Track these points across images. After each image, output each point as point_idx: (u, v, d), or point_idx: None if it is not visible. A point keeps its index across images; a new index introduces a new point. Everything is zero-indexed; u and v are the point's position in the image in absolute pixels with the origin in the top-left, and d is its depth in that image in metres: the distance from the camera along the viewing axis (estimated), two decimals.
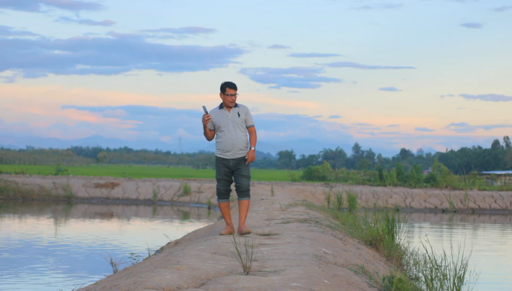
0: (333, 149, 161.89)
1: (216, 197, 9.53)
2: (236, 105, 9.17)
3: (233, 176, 9.26)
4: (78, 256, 14.09)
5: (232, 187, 9.43)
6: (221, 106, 9.20)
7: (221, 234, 9.26)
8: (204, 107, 9.07)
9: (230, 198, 9.42)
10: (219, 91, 9.19)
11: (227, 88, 9.07)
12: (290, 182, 41.99)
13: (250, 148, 9.15)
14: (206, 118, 9.04)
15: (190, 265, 6.03)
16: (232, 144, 9.06)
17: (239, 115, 9.11)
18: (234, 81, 9.19)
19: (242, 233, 9.09)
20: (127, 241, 17.01)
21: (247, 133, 9.25)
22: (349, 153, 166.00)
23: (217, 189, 9.30)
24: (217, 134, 9.20)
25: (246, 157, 9.10)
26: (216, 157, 9.23)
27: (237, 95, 9.11)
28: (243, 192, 9.18)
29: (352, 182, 44.45)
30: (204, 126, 9.13)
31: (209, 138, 9.27)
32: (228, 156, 9.10)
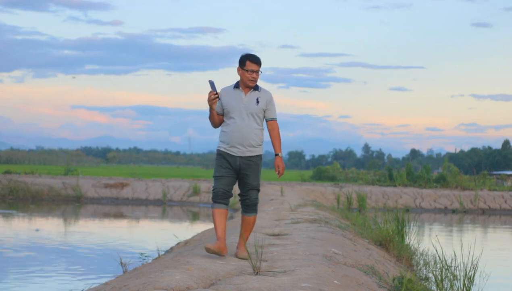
0: (343, 149, 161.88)
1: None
2: (257, 88, 6.92)
3: (237, 182, 7.01)
4: (88, 256, 14.11)
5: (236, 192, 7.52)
6: (236, 85, 6.94)
7: (207, 248, 6.72)
8: (211, 83, 6.78)
9: (229, 204, 6.98)
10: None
11: (248, 61, 6.82)
12: (300, 182, 41.98)
13: (277, 155, 6.88)
14: (212, 96, 6.73)
15: (199, 265, 6.03)
16: (242, 137, 6.81)
17: (258, 102, 6.85)
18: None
19: (238, 257, 6.89)
20: (137, 242, 17.03)
21: (264, 128, 7.01)
22: (359, 153, 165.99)
23: (213, 189, 6.90)
24: (224, 121, 6.94)
25: (276, 172, 6.81)
26: (218, 150, 6.93)
27: (260, 73, 6.89)
28: (249, 206, 6.93)
29: (362, 182, 44.45)
30: (211, 108, 6.84)
31: (215, 125, 7.01)
32: (235, 152, 6.81)
